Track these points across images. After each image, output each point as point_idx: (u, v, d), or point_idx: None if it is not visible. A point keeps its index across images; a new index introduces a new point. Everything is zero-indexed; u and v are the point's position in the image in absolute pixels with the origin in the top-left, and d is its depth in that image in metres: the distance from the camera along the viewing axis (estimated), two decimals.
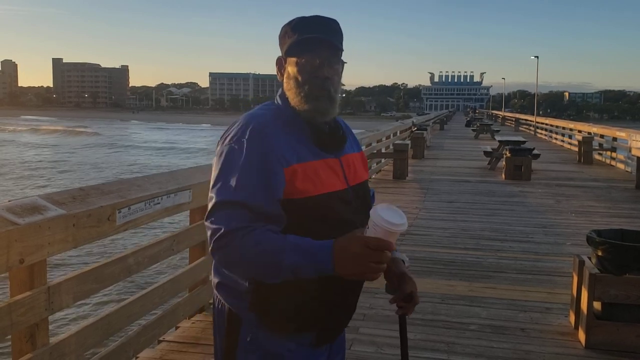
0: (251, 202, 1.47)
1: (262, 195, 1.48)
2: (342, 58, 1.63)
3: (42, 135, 66.38)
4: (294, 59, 1.59)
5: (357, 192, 1.65)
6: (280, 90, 1.67)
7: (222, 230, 1.44)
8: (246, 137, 1.53)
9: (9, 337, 2.36)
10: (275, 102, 1.68)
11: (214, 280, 1.65)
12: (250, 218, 1.46)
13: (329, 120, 1.64)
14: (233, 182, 1.49)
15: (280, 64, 1.65)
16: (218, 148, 1.59)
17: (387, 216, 1.37)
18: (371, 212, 1.40)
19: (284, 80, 1.64)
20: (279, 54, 1.67)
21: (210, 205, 1.50)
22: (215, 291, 1.67)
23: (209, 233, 1.49)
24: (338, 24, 1.63)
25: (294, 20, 1.62)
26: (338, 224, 1.52)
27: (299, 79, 1.58)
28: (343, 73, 1.67)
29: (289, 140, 1.55)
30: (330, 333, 1.68)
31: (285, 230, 1.49)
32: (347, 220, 1.55)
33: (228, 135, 1.58)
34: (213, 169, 1.57)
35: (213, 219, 1.48)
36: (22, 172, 30.28)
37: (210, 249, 1.49)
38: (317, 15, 1.61)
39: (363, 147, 9.86)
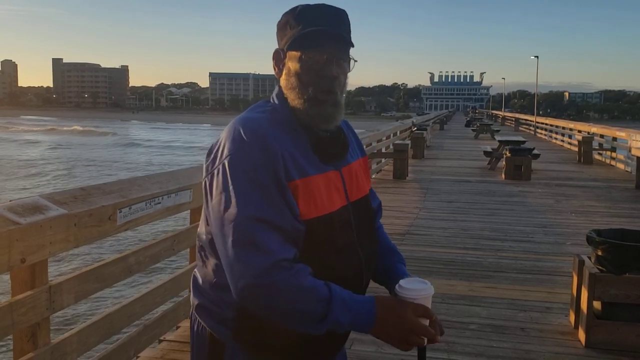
0: (280, 222, 1.27)
1: (287, 212, 1.30)
2: (351, 55, 1.44)
3: (62, 135, 67.14)
4: (296, 54, 1.38)
5: (358, 207, 1.47)
6: (277, 89, 1.46)
7: (265, 263, 1.23)
8: (248, 144, 1.31)
9: (11, 336, 2.37)
10: (272, 101, 1.46)
11: (194, 301, 1.49)
12: (284, 244, 1.27)
13: (334, 125, 1.45)
14: (251, 197, 1.27)
15: (279, 57, 1.44)
16: (213, 164, 1.35)
17: (416, 286, 1.40)
18: (398, 291, 1.40)
19: (283, 78, 1.43)
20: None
21: (229, 227, 1.27)
22: (194, 313, 1.50)
23: (237, 266, 1.25)
24: (347, 14, 1.43)
25: (297, 8, 1.40)
26: (337, 249, 1.39)
27: (303, 78, 1.38)
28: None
29: (288, 149, 1.34)
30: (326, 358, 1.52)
31: None
32: (348, 245, 1.42)
33: (222, 147, 1.35)
34: (213, 190, 1.33)
35: (241, 245, 1.25)
36: (60, 171, 31.12)
37: (240, 286, 1.26)
38: (323, 4, 1.40)
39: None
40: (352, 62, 1.45)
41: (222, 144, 1.36)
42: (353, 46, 1.43)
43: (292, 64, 1.41)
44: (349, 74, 1.46)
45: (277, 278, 1.24)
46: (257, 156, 1.31)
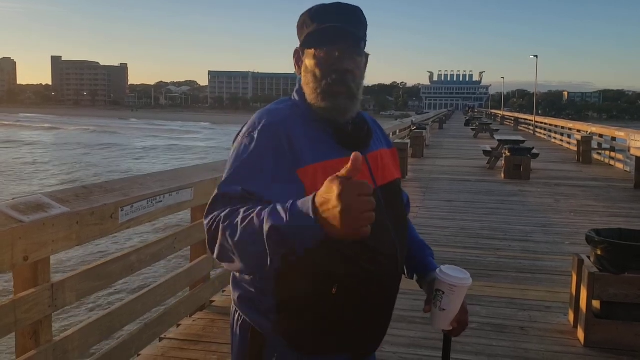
0: (251, 190, 1.32)
1: (263, 185, 1.33)
2: (365, 50, 1.50)
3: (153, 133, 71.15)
4: (311, 51, 1.46)
5: (386, 192, 1.50)
6: (297, 85, 1.54)
7: (211, 217, 1.29)
8: (257, 130, 1.41)
9: (13, 333, 2.38)
10: (293, 97, 1.54)
11: (234, 294, 1.53)
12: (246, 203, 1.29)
13: (350, 117, 1.50)
14: (236, 176, 1.36)
15: (298, 56, 1.52)
16: (233, 142, 1.48)
17: (457, 274, 1.50)
18: (439, 275, 1.50)
19: (302, 74, 1.50)
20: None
21: (210, 199, 1.37)
22: (235, 306, 1.54)
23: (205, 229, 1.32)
24: (361, 11, 1.49)
25: (313, 8, 1.48)
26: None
27: (317, 73, 1.44)
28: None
29: (306, 137, 1.41)
30: (366, 352, 1.55)
31: None
32: (379, 225, 1.40)
33: (241, 130, 1.47)
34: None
35: (207, 212, 1.33)
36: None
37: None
38: (338, 2, 1.47)
39: None
40: (365, 57, 1.50)
41: (242, 128, 1.47)
42: (364, 41, 1.48)
43: (308, 61, 1.48)
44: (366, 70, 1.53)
45: (221, 216, 1.26)
46: (262, 141, 1.38)
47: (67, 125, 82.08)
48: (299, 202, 1.15)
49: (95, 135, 61.04)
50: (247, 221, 1.20)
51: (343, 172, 1.10)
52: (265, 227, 1.15)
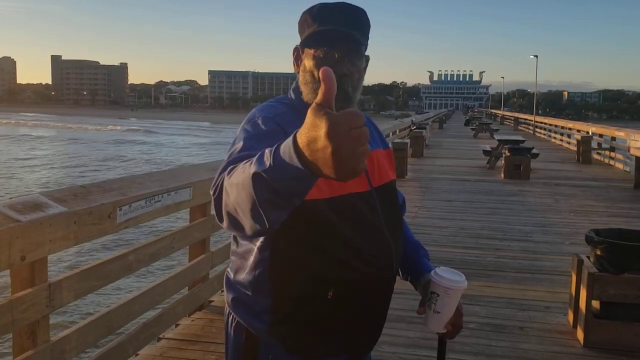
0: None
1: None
2: (366, 53, 1.48)
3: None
4: (311, 51, 1.44)
5: (382, 193, 1.50)
6: (294, 84, 1.52)
7: (213, 184, 1.20)
8: (260, 118, 1.39)
9: (10, 334, 2.37)
10: (289, 96, 1.52)
11: (228, 296, 1.52)
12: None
13: None
14: (244, 147, 1.29)
15: (298, 53, 1.50)
16: None
17: (452, 277, 1.49)
18: (433, 277, 1.49)
19: (300, 73, 1.49)
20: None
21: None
22: (228, 307, 1.53)
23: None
24: (364, 13, 1.46)
25: (315, 6, 1.45)
26: (364, 226, 1.42)
27: (315, 74, 1.41)
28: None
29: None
30: (362, 352, 1.56)
31: (309, 236, 1.37)
32: (374, 227, 1.45)
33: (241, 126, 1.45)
34: None
35: (212, 184, 1.22)
36: None
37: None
38: (341, 2, 1.44)
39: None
40: (365, 59, 1.48)
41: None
42: (365, 45, 1.46)
43: (307, 61, 1.46)
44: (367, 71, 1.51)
45: (224, 173, 1.16)
46: (265, 124, 1.36)
47: (91, 125, 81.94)
48: (282, 144, 0.99)
49: (140, 134, 62.56)
50: (241, 172, 1.07)
51: (320, 96, 0.94)
52: (250, 173, 1.02)
